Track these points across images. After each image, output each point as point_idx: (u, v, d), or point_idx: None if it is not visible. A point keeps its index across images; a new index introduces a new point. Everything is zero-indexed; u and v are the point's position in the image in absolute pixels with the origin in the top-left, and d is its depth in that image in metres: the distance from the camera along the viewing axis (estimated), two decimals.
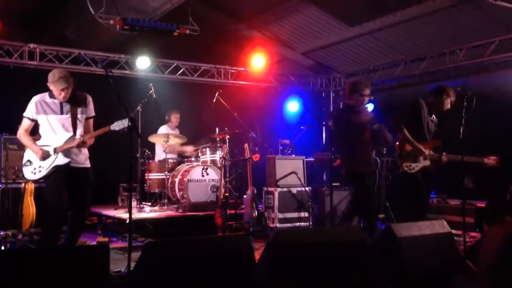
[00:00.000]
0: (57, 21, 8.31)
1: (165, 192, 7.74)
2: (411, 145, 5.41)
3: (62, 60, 8.24)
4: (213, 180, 7.60)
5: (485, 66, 7.84)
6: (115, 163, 8.19)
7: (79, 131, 4.80)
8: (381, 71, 9.61)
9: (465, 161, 5.18)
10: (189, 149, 8.46)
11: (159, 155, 8.36)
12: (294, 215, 7.57)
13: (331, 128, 5.58)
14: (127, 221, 5.29)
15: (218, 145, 7.88)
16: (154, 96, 7.66)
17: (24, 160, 4.85)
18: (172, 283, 3.07)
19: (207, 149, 8.05)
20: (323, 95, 11.23)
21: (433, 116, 5.63)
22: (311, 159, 8.39)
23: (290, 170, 7.68)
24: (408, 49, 8.79)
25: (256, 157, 7.73)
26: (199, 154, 8.09)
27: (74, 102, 4.78)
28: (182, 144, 8.40)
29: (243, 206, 7.34)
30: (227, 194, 7.02)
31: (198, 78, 9.53)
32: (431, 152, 5.47)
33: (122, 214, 6.94)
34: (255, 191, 7.18)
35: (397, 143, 5.60)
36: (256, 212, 7.07)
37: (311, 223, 7.60)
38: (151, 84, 7.77)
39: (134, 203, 7.25)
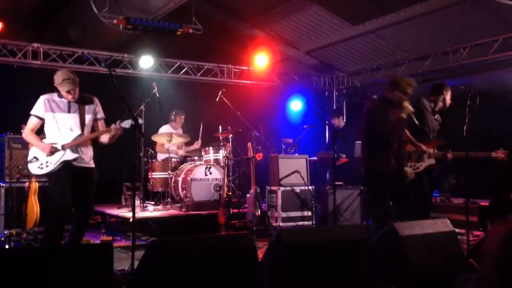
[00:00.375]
0: (60, 21, 8.33)
1: (169, 191, 7.76)
2: (412, 144, 5.40)
3: (66, 59, 8.26)
4: (216, 179, 7.60)
5: (489, 65, 7.81)
6: (118, 162, 8.23)
7: (86, 130, 4.86)
8: (384, 69, 9.58)
9: (471, 157, 5.16)
10: (194, 146, 8.43)
11: (160, 154, 8.37)
12: (297, 214, 7.56)
13: (334, 127, 5.48)
14: (131, 220, 5.30)
15: (221, 144, 7.89)
16: (157, 95, 7.67)
17: (30, 157, 4.84)
18: (175, 282, 3.07)
19: (210, 148, 8.06)
20: (326, 94, 11.22)
21: (437, 115, 5.62)
22: (314, 158, 8.39)
23: (293, 169, 7.68)
24: (411, 48, 8.78)
25: (259, 156, 7.73)
26: (202, 153, 8.11)
27: (81, 102, 4.86)
28: (187, 144, 8.41)
29: (246, 205, 7.35)
30: (230, 193, 7.03)
31: (201, 77, 9.53)
32: (435, 151, 5.46)
33: (126, 213, 6.96)
34: (258, 190, 7.19)
35: None
36: (259, 211, 7.07)
37: (314, 222, 7.59)
38: (154, 84, 7.77)
39: (137, 202, 7.27)
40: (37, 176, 5.12)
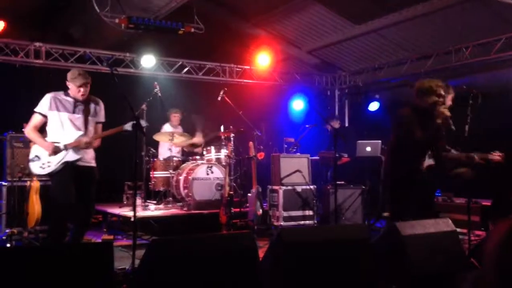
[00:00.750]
0: (62, 20, 8.34)
1: (170, 190, 7.76)
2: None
3: (68, 58, 8.27)
4: (217, 178, 7.60)
5: (491, 64, 7.79)
6: (120, 162, 8.23)
7: (89, 132, 4.86)
8: (386, 69, 9.57)
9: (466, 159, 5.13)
10: (197, 140, 8.39)
11: (162, 153, 8.37)
12: (299, 213, 7.56)
13: (334, 128, 5.36)
14: (132, 219, 5.31)
15: (223, 143, 7.89)
16: (159, 94, 7.67)
17: (31, 156, 4.81)
18: (176, 281, 3.07)
19: (212, 147, 8.06)
20: (328, 93, 11.21)
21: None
22: (316, 157, 8.38)
23: (295, 168, 7.67)
24: (413, 47, 8.76)
25: (261, 155, 7.73)
26: (204, 152, 8.11)
27: (87, 103, 4.86)
28: (190, 145, 8.42)
29: (247, 204, 7.35)
30: (231, 192, 7.03)
31: (203, 76, 9.53)
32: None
33: (127, 212, 6.97)
34: (260, 189, 7.18)
35: None
36: (260, 210, 7.07)
37: (315, 221, 7.59)
38: (156, 83, 7.79)
39: (139, 201, 7.27)
40: (39, 175, 5.09)
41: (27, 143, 6.25)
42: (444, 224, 4.14)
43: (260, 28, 9.17)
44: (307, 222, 7.57)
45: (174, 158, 8.01)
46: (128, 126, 4.57)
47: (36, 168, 4.78)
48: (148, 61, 8.70)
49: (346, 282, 3.68)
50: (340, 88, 11.07)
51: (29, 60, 7.94)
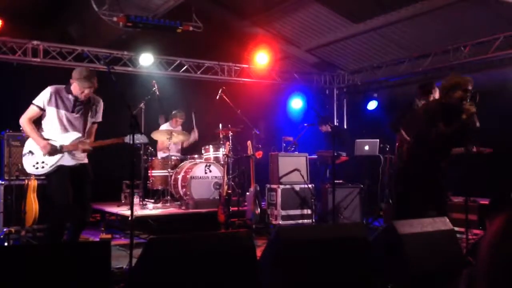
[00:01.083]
0: (60, 18, 8.32)
1: (168, 189, 7.76)
2: (407, 144, 5.39)
3: (66, 57, 8.25)
4: (216, 177, 7.60)
5: (490, 63, 7.80)
6: (118, 160, 8.21)
7: (86, 133, 4.76)
8: (385, 68, 9.57)
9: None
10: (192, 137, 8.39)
11: (159, 152, 8.37)
12: (297, 212, 7.56)
13: (336, 127, 5.39)
14: (130, 218, 5.29)
15: (221, 142, 7.88)
16: (157, 93, 7.67)
17: (25, 150, 4.64)
18: (173, 280, 3.07)
19: (210, 146, 8.06)
20: (327, 92, 11.21)
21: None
22: (314, 156, 8.39)
23: (293, 167, 7.67)
24: (412, 46, 8.76)
25: (259, 154, 7.73)
26: (202, 151, 8.10)
27: (88, 103, 4.73)
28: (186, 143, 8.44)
29: (246, 203, 7.35)
30: (230, 191, 7.03)
31: (202, 75, 9.52)
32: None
33: (125, 211, 6.96)
34: (258, 188, 7.18)
35: (397, 144, 5.58)
36: (258, 209, 7.07)
37: (314, 220, 7.59)
38: (154, 81, 7.78)
39: (137, 200, 7.28)
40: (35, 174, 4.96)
41: (24, 142, 6.24)
42: (442, 223, 4.14)
43: (259, 26, 9.16)
44: (305, 221, 7.57)
45: (173, 157, 8.00)
46: (128, 139, 4.52)
47: (28, 165, 4.61)
48: (146, 60, 8.68)
49: (344, 280, 3.68)
50: (338, 87, 11.07)
51: (27, 59, 7.92)
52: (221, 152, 7.83)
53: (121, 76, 8.37)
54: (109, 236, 6.59)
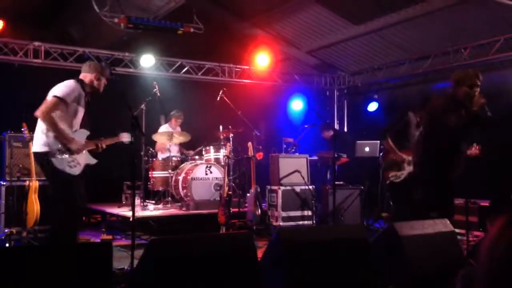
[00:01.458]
0: (62, 20, 8.33)
1: (169, 190, 7.76)
2: (393, 153, 5.42)
3: (67, 58, 8.27)
4: (216, 178, 7.61)
5: (490, 65, 7.80)
6: (119, 161, 8.22)
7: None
8: (385, 69, 9.58)
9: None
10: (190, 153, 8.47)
11: (159, 153, 8.38)
12: (298, 213, 7.57)
13: (338, 131, 5.39)
14: (131, 219, 5.30)
15: (222, 143, 7.89)
16: (158, 94, 7.68)
17: (57, 145, 4.24)
18: (174, 281, 3.07)
19: (211, 147, 8.07)
20: (328, 93, 11.22)
21: (421, 128, 5.55)
22: (315, 157, 8.39)
23: (294, 168, 7.68)
24: (412, 48, 8.77)
25: (260, 155, 7.74)
26: (203, 153, 8.11)
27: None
28: (185, 149, 8.46)
29: (246, 205, 7.35)
30: (230, 193, 7.02)
31: (202, 76, 9.53)
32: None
33: (126, 212, 6.96)
34: (259, 190, 7.18)
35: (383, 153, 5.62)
36: (259, 210, 7.07)
37: (314, 221, 7.60)
38: (155, 83, 7.79)
39: (137, 201, 7.28)
40: (59, 173, 4.41)
41: (26, 143, 6.28)
42: (442, 225, 4.15)
43: (260, 28, 9.17)
44: (306, 222, 7.58)
45: (173, 158, 8.01)
46: (124, 138, 4.51)
47: (63, 163, 4.24)
48: (147, 61, 8.70)
49: (345, 282, 3.68)
50: (339, 89, 11.08)
51: (28, 60, 7.94)
52: (222, 153, 7.84)
53: (122, 77, 8.38)
54: (110, 237, 6.60)
